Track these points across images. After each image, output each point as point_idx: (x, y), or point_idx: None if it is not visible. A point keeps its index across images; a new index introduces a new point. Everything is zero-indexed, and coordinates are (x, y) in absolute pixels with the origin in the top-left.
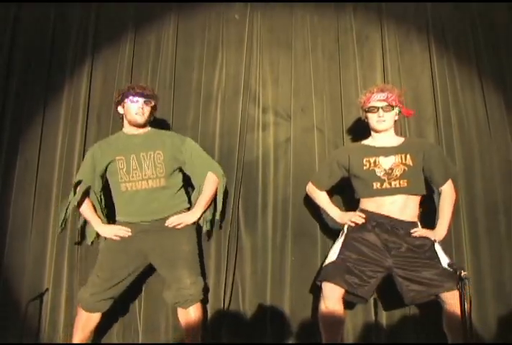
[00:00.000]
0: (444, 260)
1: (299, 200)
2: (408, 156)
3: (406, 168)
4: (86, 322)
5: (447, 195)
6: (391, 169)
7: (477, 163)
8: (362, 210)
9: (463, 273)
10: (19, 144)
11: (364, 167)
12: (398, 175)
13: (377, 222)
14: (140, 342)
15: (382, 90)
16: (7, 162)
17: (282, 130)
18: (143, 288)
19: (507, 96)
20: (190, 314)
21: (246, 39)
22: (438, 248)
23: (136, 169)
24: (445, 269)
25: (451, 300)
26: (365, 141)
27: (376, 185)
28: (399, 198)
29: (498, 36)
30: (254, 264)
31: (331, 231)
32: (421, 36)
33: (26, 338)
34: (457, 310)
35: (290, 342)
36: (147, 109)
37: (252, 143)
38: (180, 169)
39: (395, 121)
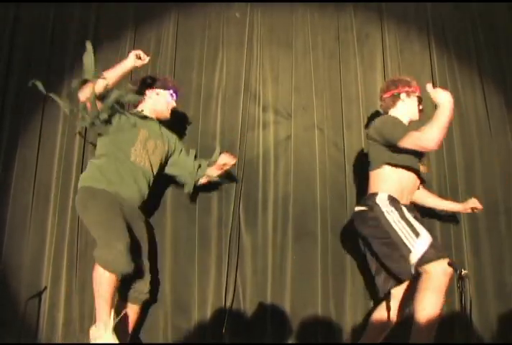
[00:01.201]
0: None
1: (300, 198)
2: None
3: None
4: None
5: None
6: None
7: (477, 162)
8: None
9: (463, 272)
10: (17, 142)
11: None
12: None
13: None
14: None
15: None
16: (6, 160)
17: (282, 129)
18: None
19: (507, 95)
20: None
21: (246, 37)
22: None
23: (151, 149)
24: None
25: None
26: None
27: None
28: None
29: (498, 35)
30: (255, 262)
31: (332, 229)
32: (421, 34)
33: (25, 337)
34: None
35: (291, 341)
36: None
37: (253, 141)
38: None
39: None
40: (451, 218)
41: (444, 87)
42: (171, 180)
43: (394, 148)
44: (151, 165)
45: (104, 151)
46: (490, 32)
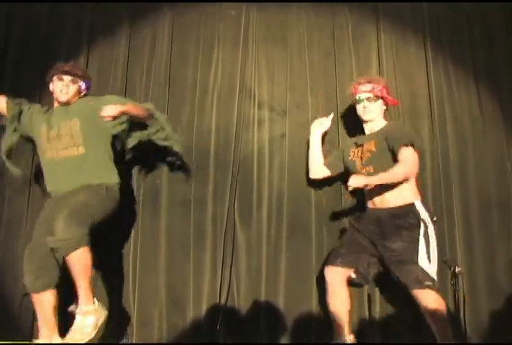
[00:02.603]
0: None
1: (294, 195)
2: (373, 141)
3: (369, 154)
4: None
5: (398, 162)
6: (361, 157)
7: (471, 159)
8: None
9: (457, 269)
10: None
11: (349, 158)
12: (366, 162)
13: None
14: (134, 337)
15: (367, 82)
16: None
17: (277, 126)
18: (137, 285)
19: (501, 95)
20: (69, 263)
21: (242, 35)
22: None
23: (56, 138)
24: None
25: None
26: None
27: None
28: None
29: (492, 34)
30: (249, 259)
31: (326, 227)
32: (416, 33)
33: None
34: None
35: (285, 339)
36: (73, 88)
37: (248, 139)
38: (113, 139)
39: (385, 111)
40: (445, 215)
41: (439, 84)
42: (166, 177)
43: None
44: (67, 149)
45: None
46: (484, 31)
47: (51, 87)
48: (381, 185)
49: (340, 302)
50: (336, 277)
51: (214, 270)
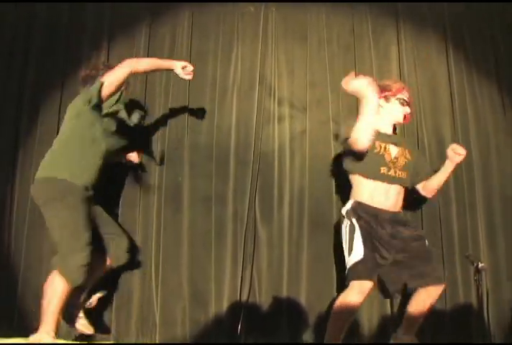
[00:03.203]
0: None
1: (315, 192)
2: (407, 150)
3: (407, 161)
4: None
5: None
6: (396, 158)
7: (493, 156)
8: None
9: (480, 265)
10: (36, 136)
11: (375, 150)
12: (401, 166)
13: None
14: (157, 333)
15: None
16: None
17: (298, 122)
18: (159, 281)
19: None
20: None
21: (261, 31)
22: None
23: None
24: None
25: None
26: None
27: (383, 170)
28: (396, 188)
29: None
30: (270, 256)
31: None
32: (437, 27)
33: None
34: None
35: (307, 334)
36: None
37: (268, 135)
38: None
39: None
40: (468, 211)
41: (460, 79)
42: (187, 174)
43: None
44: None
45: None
46: (506, 27)
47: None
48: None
49: None
50: None
51: (235, 267)
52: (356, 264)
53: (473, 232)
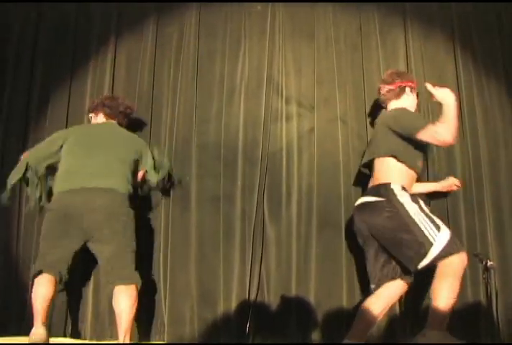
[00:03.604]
0: None
1: (323, 190)
2: None
3: None
4: None
5: None
6: None
7: (502, 153)
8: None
9: (489, 263)
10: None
11: None
12: None
13: None
14: (166, 332)
15: None
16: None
17: (305, 121)
18: (168, 281)
19: None
20: None
21: (268, 30)
22: None
23: None
24: None
25: None
26: None
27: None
28: None
29: None
30: (279, 254)
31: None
32: (444, 26)
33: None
34: None
35: (316, 333)
36: None
37: (276, 134)
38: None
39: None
40: (476, 210)
41: (468, 77)
42: (195, 173)
43: (409, 140)
44: None
45: None
46: None
47: None
48: None
49: None
50: None
51: (244, 265)
52: (452, 237)
53: (481, 230)
